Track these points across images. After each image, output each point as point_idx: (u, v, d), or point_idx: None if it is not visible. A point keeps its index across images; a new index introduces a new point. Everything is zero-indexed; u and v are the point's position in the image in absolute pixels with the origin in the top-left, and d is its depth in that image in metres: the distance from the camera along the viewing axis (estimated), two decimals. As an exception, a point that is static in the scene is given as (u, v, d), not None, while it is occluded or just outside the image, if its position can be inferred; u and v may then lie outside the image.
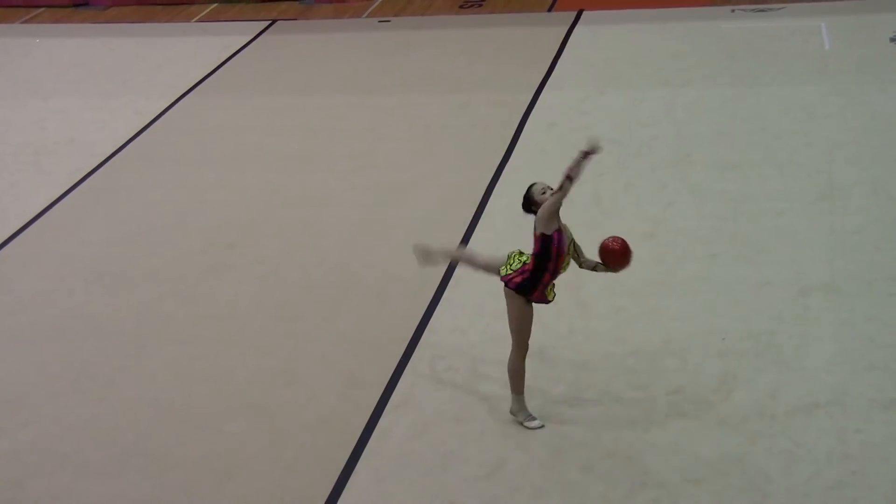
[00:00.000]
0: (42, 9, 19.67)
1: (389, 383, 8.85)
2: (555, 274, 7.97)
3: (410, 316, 9.72)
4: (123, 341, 9.72)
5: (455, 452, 8.08)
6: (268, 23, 18.10)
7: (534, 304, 8.06)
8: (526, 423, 8.26)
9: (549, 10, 18.02)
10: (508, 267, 8.04)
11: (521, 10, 18.09)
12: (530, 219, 7.97)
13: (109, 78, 16.17)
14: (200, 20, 18.77)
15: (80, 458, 8.31)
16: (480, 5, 18.47)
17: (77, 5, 19.65)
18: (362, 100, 14.67)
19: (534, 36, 16.70)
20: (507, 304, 8.08)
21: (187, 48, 17.24)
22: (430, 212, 11.54)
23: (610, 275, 8.29)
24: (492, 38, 16.78)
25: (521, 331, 8.10)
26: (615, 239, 8.05)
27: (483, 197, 11.71)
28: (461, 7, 18.45)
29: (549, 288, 8.03)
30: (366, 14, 18.44)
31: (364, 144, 13.32)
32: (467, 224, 11.17)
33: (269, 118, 14.35)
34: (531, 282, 7.95)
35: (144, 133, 14.14)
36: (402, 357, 9.15)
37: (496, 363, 8.82)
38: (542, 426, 8.24)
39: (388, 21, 17.96)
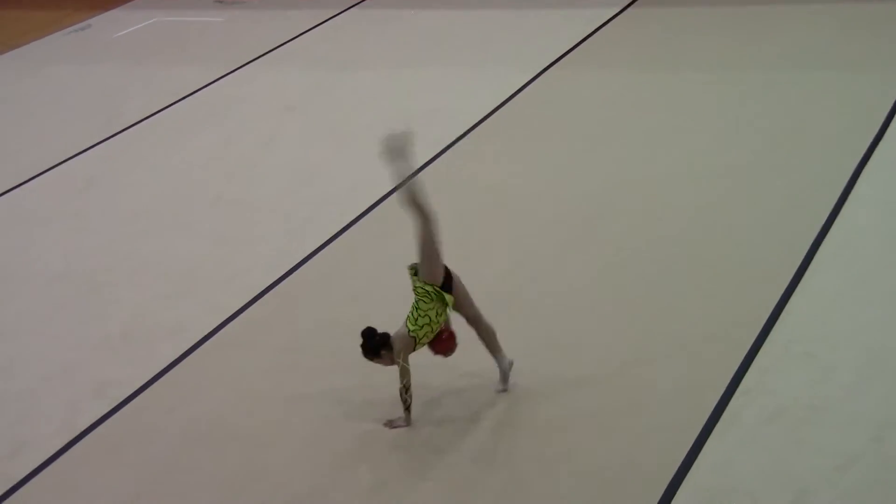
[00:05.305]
0: (417, -18, 20.30)
1: (741, 366, 8.72)
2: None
3: (763, 302, 9.51)
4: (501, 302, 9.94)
5: (808, 440, 7.88)
6: (635, -4, 18.00)
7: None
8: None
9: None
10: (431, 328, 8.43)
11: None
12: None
13: (477, 49, 16.56)
14: (568, -7, 18.87)
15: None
16: (860, -20, 17.70)
17: (449, -21, 20.16)
18: (728, 76, 14.40)
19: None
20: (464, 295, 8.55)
21: (554, 21, 17.41)
22: (788, 195, 11.24)
23: None
24: (873, 13, 16.02)
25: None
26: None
27: (848, 182, 11.28)
28: (836, -19, 17.72)
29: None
30: (736, -13, 18.03)
31: (726, 123, 13.10)
32: (830, 209, 10.80)
33: (631, 93, 14.31)
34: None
35: (507, 104, 14.42)
36: (755, 340, 9.00)
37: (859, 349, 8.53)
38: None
39: (759, -5, 17.48)
